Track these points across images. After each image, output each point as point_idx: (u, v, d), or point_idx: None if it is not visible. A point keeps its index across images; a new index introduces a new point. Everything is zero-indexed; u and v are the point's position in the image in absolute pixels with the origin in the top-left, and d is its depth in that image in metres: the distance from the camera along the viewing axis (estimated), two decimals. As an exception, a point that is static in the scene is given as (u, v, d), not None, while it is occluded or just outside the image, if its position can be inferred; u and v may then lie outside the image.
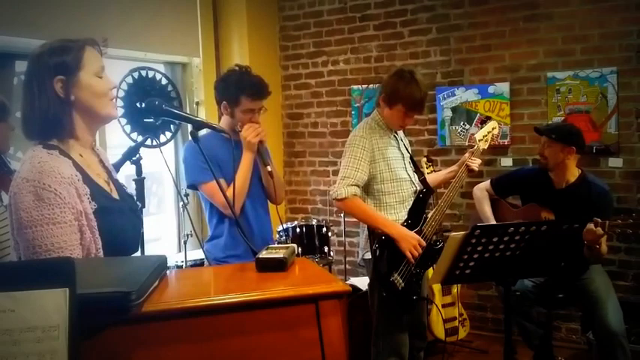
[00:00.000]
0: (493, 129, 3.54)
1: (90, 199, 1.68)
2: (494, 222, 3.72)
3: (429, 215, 3.30)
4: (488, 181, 3.94)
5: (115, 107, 1.84)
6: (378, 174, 3.26)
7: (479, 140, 3.43)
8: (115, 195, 1.85)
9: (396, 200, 3.30)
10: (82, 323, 1.05)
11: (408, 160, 3.42)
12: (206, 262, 3.03)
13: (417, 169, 3.46)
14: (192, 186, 2.97)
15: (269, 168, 2.91)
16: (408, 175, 3.37)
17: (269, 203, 3.13)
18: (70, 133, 1.75)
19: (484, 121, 4.70)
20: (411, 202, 3.32)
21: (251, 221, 2.97)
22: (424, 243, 3.18)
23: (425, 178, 3.39)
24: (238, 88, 2.91)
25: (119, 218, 1.77)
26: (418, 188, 3.36)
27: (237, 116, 2.93)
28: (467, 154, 3.38)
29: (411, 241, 3.15)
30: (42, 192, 1.59)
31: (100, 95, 1.77)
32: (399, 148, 3.38)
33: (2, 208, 2.84)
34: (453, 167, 3.45)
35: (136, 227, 1.90)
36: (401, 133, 3.48)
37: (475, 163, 3.34)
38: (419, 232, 3.22)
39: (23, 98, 1.75)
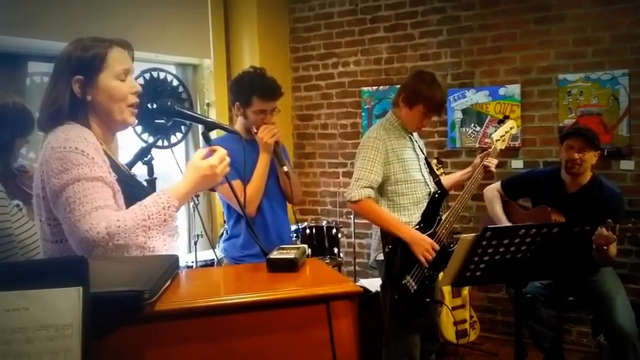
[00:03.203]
0: (511, 129, 3.50)
1: (110, 170, 1.68)
2: (506, 222, 3.69)
3: (444, 217, 3.29)
4: (499, 182, 3.92)
5: (131, 114, 1.81)
6: (392, 175, 3.26)
7: (496, 140, 3.41)
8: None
9: (410, 202, 3.29)
10: (95, 322, 1.06)
11: (422, 161, 3.41)
12: (224, 261, 3.05)
13: (432, 170, 3.44)
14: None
15: (285, 168, 2.93)
16: (423, 176, 3.36)
17: (287, 203, 3.16)
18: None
19: (502, 120, 4.66)
20: (425, 204, 3.31)
21: (268, 221, 2.99)
22: (437, 247, 3.17)
23: (439, 180, 3.38)
24: (250, 89, 2.92)
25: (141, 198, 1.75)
26: (432, 190, 3.36)
27: (250, 117, 2.95)
28: (478, 158, 3.37)
29: (424, 245, 3.14)
30: (68, 154, 1.59)
31: (118, 99, 1.76)
32: (414, 149, 3.38)
33: (15, 208, 2.84)
34: (467, 169, 3.43)
35: None
36: (416, 134, 3.47)
37: (492, 164, 3.33)
38: (433, 234, 3.21)
39: (45, 91, 1.76)
